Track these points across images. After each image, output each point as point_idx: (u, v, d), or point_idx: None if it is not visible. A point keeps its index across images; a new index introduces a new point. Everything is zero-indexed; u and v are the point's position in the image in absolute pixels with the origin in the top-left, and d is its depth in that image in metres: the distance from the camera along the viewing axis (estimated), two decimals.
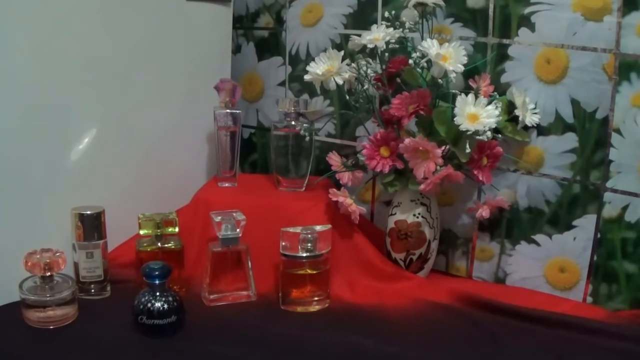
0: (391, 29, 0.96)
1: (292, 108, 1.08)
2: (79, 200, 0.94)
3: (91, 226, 0.92)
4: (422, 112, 0.94)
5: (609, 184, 0.95)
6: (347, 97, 1.02)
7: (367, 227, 1.11)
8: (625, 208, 0.94)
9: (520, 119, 0.96)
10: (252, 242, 0.96)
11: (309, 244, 0.93)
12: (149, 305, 0.82)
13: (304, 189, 1.11)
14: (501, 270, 1.07)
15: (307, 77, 1.02)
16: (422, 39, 0.95)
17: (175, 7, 1.08)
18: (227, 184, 1.14)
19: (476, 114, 0.90)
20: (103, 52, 0.97)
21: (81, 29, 0.93)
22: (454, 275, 1.12)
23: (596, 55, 0.92)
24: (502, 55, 1.01)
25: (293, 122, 1.07)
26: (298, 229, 0.93)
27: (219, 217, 0.94)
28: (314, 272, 0.94)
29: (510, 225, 1.05)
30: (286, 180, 1.11)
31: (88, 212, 0.92)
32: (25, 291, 0.83)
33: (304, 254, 0.93)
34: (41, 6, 0.88)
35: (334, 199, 1.01)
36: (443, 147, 0.94)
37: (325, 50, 1.03)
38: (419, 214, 1.01)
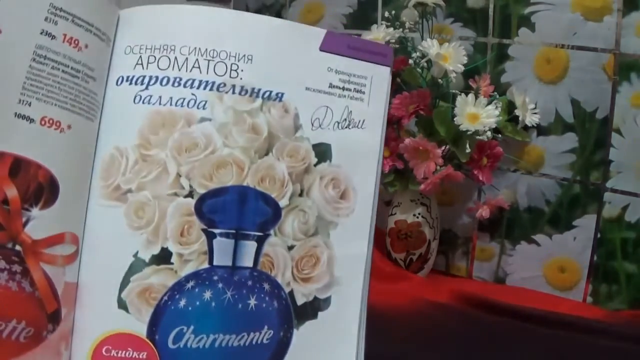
0: (391, 29, 0.96)
1: None
2: None
3: None
4: (422, 112, 0.94)
5: (609, 184, 0.95)
6: None
7: None
8: (625, 208, 0.94)
9: (520, 119, 0.96)
10: None
11: None
12: None
13: None
14: (501, 270, 1.07)
15: None
16: (422, 39, 0.95)
17: None
18: None
19: (476, 114, 0.90)
20: None
21: None
22: (454, 275, 1.12)
23: (596, 55, 0.92)
24: (502, 55, 1.01)
25: None
26: None
27: None
28: None
29: (510, 225, 1.05)
30: None
31: None
32: None
33: None
34: None
35: None
36: (443, 147, 0.94)
37: None
38: (419, 214, 1.01)
